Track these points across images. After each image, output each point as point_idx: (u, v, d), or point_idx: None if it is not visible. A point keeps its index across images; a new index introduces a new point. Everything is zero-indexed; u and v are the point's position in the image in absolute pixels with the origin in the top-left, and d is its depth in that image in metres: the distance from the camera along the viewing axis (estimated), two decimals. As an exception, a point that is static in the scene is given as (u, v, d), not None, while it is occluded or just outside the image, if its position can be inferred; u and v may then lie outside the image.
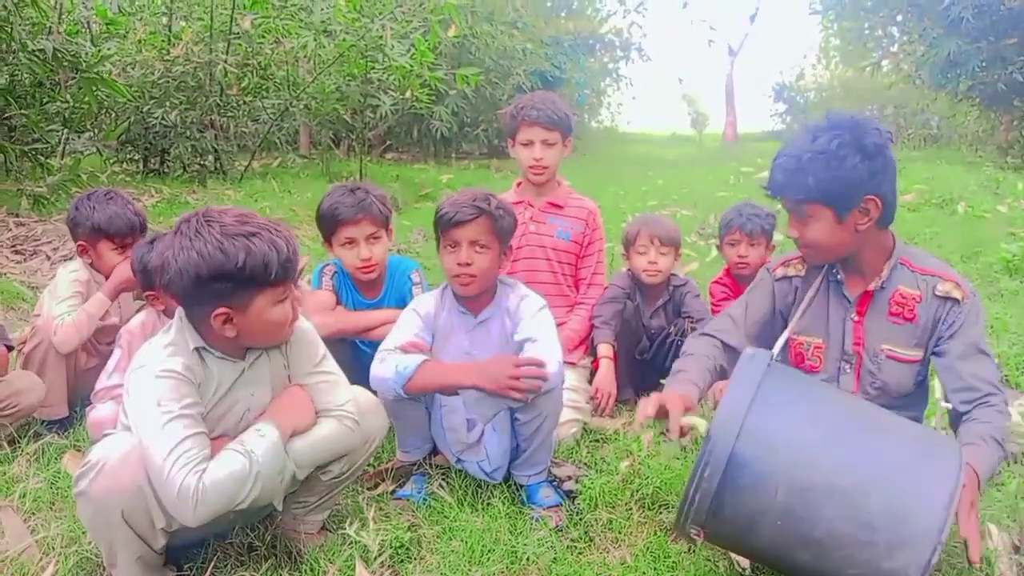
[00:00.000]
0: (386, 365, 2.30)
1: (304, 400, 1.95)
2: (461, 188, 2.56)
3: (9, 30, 5.43)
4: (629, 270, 3.37)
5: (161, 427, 1.71)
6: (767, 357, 1.87)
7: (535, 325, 2.40)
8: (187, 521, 1.72)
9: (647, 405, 1.97)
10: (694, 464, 1.73)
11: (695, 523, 1.78)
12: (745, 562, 2.04)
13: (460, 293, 2.46)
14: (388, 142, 14.17)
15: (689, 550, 2.13)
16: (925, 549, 1.59)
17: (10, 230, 5.53)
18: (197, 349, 1.84)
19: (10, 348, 2.65)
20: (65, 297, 2.77)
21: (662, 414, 1.96)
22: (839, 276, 2.18)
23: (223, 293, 1.75)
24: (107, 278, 2.86)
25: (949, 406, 2.03)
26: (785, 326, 2.29)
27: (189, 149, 7.74)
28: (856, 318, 2.16)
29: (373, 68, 8.57)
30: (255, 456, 1.76)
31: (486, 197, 2.42)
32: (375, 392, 2.26)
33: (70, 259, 2.97)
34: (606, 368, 3.09)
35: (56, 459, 2.60)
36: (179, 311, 1.87)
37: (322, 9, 7.81)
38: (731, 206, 3.47)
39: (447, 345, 2.49)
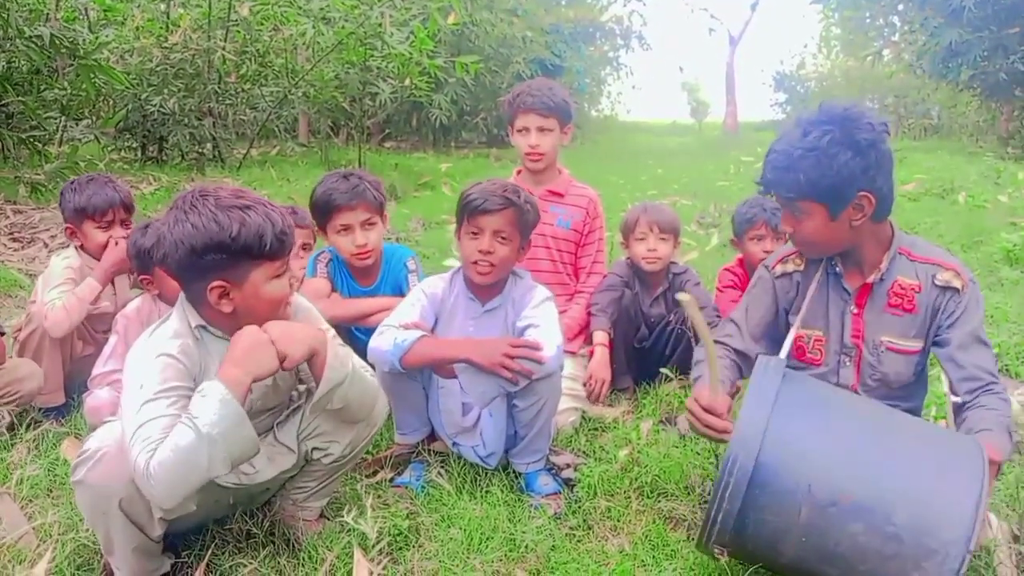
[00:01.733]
0: (385, 337, 2.33)
1: (256, 339, 1.74)
2: (488, 177, 2.55)
3: (6, 16, 5.40)
4: (628, 259, 3.35)
5: (136, 409, 1.67)
6: (780, 367, 1.84)
7: (537, 313, 2.42)
8: (158, 503, 1.68)
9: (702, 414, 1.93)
10: (715, 484, 1.72)
11: (718, 543, 1.77)
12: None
13: (476, 281, 2.47)
14: (387, 130, 14.14)
15: (688, 538, 2.13)
16: (954, 560, 1.57)
17: (8, 218, 5.52)
18: (198, 327, 1.82)
19: (1, 333, 2.65)
20: (58, 284, 2.76)
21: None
22: (838, 269, 2.16)
23: (218, 265, 1.73)
24: (97, 259, 2.86)
25: (957, 399, 2.01)
26: (788, 322, 2.28)
27: (187, 137, 7.72)
28: (855, 310, 2.14)
29: (372, 56, 8.54)
30: (199, 422, 1.62)
31: (515, 190, 2.44)
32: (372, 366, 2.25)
33: (65, 247, 2.97)
34: (600, 355, 3.08)
35: (54, 446, 2.59)
36: (181, 295, 1.86)
37: (321, -4, 7.78)
38: (745, 201, 3.38)
39: (450, 329, 2.50)
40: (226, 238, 1.70)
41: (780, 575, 1.86)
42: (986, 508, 1.62)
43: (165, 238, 1.73)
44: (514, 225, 2.41)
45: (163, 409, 1.67)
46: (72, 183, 2.93)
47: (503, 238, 2.40)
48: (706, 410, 1.91)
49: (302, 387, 2.11)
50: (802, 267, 2.24)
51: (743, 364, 2.26)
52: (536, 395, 2.32)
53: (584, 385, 3.04)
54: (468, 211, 2.42)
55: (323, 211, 2.79)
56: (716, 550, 1.80)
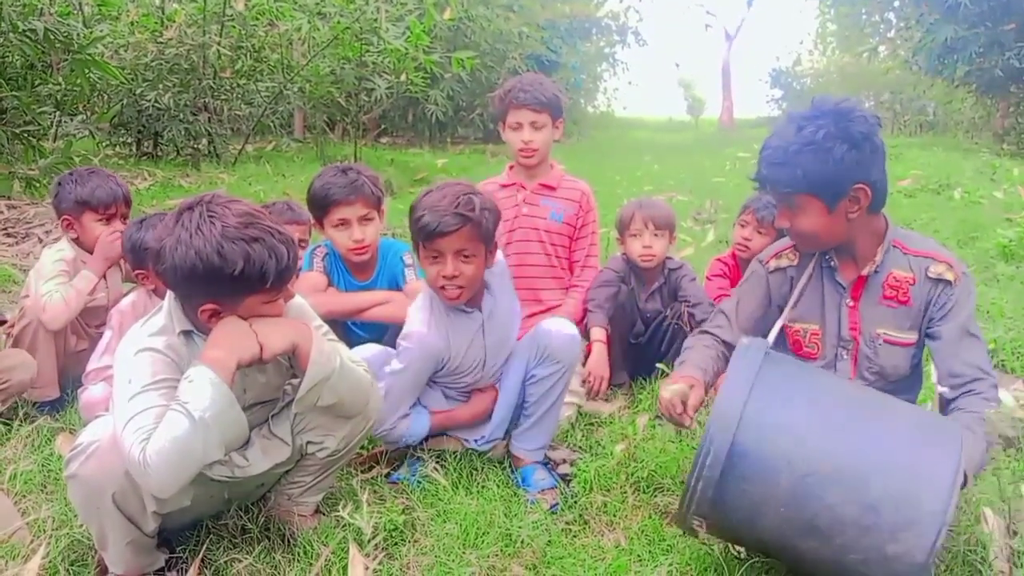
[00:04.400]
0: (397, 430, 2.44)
1: (239, 327, 1.76)
2: (437, 181, 2.46)
3: (-1, 10, 5.37)
4: (624, 254, 3.35)
5: (126, 402, 1.67)
6: (763, 345, 1.85)
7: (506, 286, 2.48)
8: (157, 492, 1.68)
9: (674, 400, 2.00)
10: (695, 454, 1.72)
11: (698, 514, 1.77)
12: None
13: (448, 304, 2.36)
14: (383, 126, 14.12)
15: (684, 533, 2.12)
16: (931, 531, 1.57)
17: (2, 213, 5.50)
18: (184, 332, 1.82)
19: (2, 321, 2.63)
20: (51, 276, 2.75)
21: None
22: (832, 262, 2.17)
23: (215, 292, 1.73)
24: (91, 252, 2.84)
25: (944, 390, 2.02)
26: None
27: (182, 132, 7.70)
28: (851, 303, 2.15)
29: (368, 51, 8.53)
30: (191, 407, 1.62)
31: (468, 200, 2.21)
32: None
33: (58, 240, 2.94)
34: (598, 352, 3.07)
35: (48, 441, 2.58)
36: (169, 293, 1.85)
37: (316, -10, 7.77)
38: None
39: (458, 342, 2.42)
40: (227, 272, 1.67)
41: (758, 550, 1.87)
42: (960, 483, 1.62)
43: (166, 256, 1.69)
44: (476, 240, 2.23)
45: (154, 400, 1.68)
46: (71, 175, 2.89)
47: (466, 256, 2.24)
48: (673, 399, 1.99)
49: (296, 380, 2.10)
50: (796, 262, 2.25)
51: (729, 356, 2.26)
52: (557, 363, 2.36)
53: (584, 382, 3.03)
54: (423, 236, 2.23)
55: (320, 205, 2.78)
56: (695, 522, 1.80)
